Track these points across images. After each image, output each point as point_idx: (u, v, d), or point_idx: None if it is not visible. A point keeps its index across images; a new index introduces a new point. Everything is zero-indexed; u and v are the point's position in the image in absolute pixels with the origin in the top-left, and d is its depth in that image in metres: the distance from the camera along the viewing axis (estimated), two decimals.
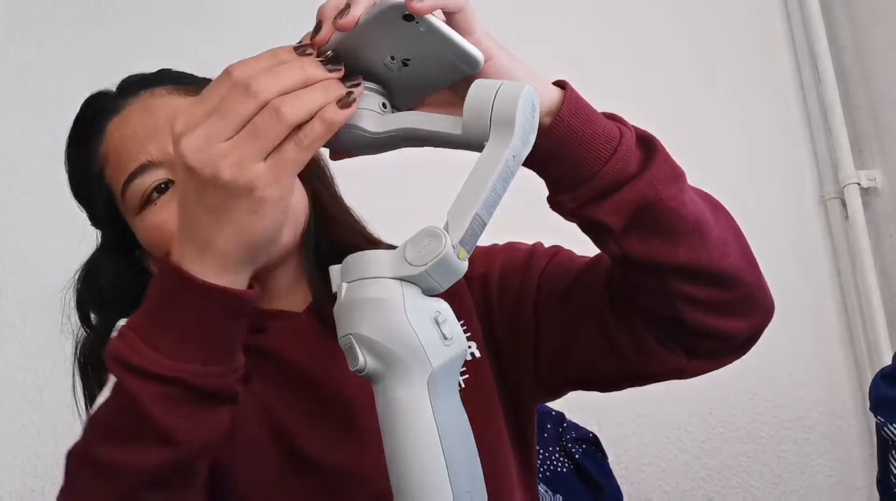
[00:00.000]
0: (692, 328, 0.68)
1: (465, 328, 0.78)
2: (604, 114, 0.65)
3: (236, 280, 0.57)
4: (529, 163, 0.62)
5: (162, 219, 0.75)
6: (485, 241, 0.63)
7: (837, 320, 1.61)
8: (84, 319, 0.86)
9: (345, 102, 0.53)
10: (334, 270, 0.58)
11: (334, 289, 0.58)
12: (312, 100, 0.52)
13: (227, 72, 0.54)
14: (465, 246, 0.55)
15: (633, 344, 0.72)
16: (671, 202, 0.63)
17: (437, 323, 0.55)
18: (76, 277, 0.87)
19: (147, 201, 0.76)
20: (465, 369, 0.78)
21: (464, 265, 0.55)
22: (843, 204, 1.64)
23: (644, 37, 1.79)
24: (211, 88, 0.54)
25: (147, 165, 0.75)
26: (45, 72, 1.72)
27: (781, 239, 1.66)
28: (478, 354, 0.81)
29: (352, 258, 0.57)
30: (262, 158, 0.52)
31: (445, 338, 0.55)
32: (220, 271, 0.56)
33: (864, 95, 1.69)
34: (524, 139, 0.56)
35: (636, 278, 0.68)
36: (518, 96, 0.55)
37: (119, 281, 0.84)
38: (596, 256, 0.77)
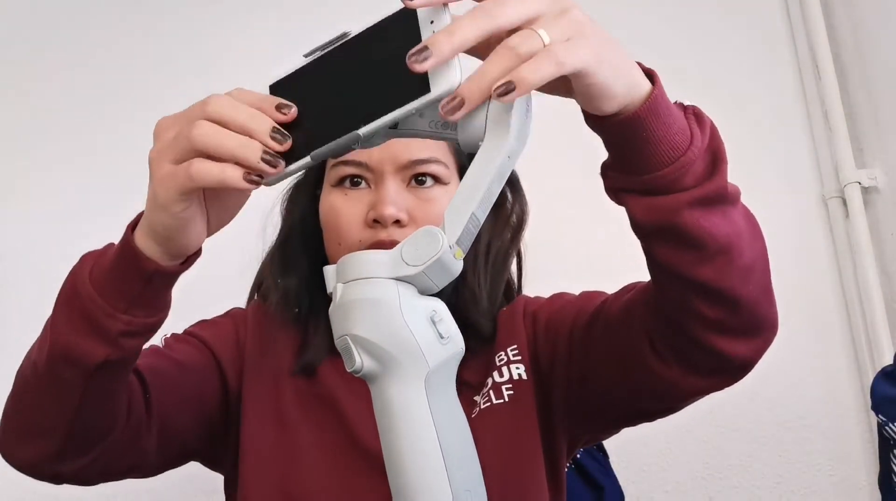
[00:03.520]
0: (697, 342, 0.69)
1: (517, 352, 0.88)
2: (687, 108, 0.63)
3: (150, 245, 0.62)
4: (599, 130, 0.60)
5: (339, 205, 0.87)
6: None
7: (838, 319, 1.61)
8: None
9: (249, 179, 0.56)
10: (329, 270, 0.58)
11: (329, 290, 0.58)
12: (225, 146, 0.55)
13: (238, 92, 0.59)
14: (461, 245, 0.55)
15: (636, 363, 0.74)
16: (704, 223, 0.62)
17: (434, 322, 0.55)
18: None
19: (341, 182, 0.88)
20: (511, 386, 0.86)
21: (458, 265, 0.55)
22: (844, 203, 1.64)
23: (643, 36, 1.79)
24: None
25: (358, 163, 0.86)
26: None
27: (782, 238, 1.65)
28: (525, 376, 0.87)
29: (347, 259, 0.57)
30: (172, 160, 0.57)
31: (442, 337, 0.55)
32: (141, 233, 0.62)
33: (864, 94, 1.68)
34: (520, 138, 0.56)
35: (658, 277, 0.69)
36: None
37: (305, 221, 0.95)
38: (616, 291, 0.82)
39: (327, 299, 0.88)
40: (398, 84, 0.54)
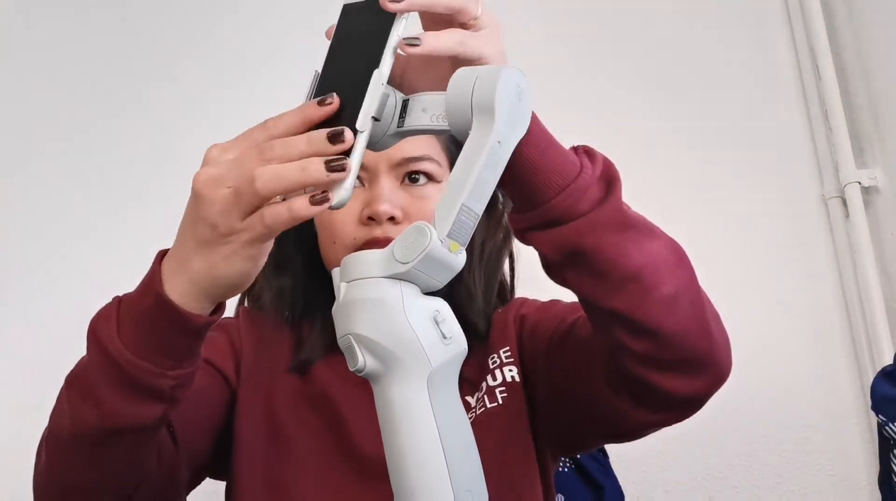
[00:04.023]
0: (633, 376, 0.68)
1: (510, 354, 0.88)
2: (578, 147, 0.65)
3: (198, 300, 0.60)
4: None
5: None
6: None
7: (838, 319, 1.61)
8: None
9: (315, 200, 0.55)
10: (336, 271, 0.58)
11: (335, 290, 0.58)
12: (289, 180, 0.54)
13: (263, 123, 0.57)
14: (456, 239, 0.54)
15: (595, 389, 0.74)
16: (609, 249, 0.62)
17: (437, 322, 0.55)
18: None
19: None
20: (504, 389, 0.87)
21: (458, 259, 0.55)
22: (844, 203, 1.64)
23: (643, 35, 1.79)
24: (247, 132, 0.58)
25: None
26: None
27: (782, 238, 1.66)
28: (517, 378, 0.87)
29: (350, 259, 0.57)
30: (241, 217, 0.56)
31: (444, 337, 0.55)
32: (185, 290, 0.60)
33: (864, 94, 1.68)
34: (510, 124, 0.55)
35: (584, 310, 0.70)
36: (497, 80, 0.54)
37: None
38: None
39: (322, 298, 0.89)
40: (379, 29, 0.57)
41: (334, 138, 0.54)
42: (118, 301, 0.64)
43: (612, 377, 0.71)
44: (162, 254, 0.62)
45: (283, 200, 0.55)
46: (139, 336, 0.61)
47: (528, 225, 0.64)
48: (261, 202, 0.55)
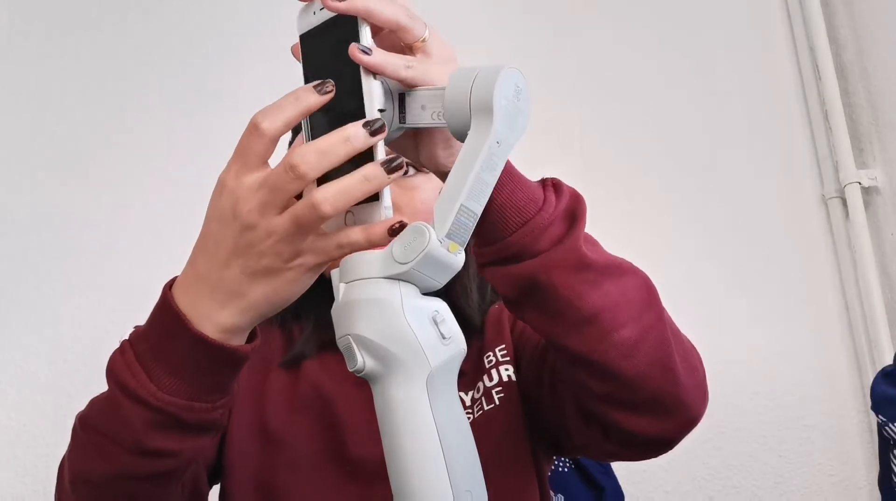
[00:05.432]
0: (595, 414, 0.67)
1: (505, 352, 0.86)
2: (546, 180, 0.63)
3: (248, 325, 0.60)
4: None
5: None
6: None
7: (838, 319, 1.61)
8: None
9: (375, 245, 0.55)
10: (334, 272, 0.58)
11: (334, 291, 0.58)
12: (356, 194, 0.54)
13: (255, 129, 0.55)
14: (455, 239, 0.54)
15: (562, 413, 0.74)
16: (564, 289, 0.60)
17: (436, 323, 0.55)
18: None
19: None
20: (501, 389, 0.85)
21: (457, 259, 0.55)
22: (844, 203, 1.64)
23: (643, 35, 1.79)
24: (243, 144, 0.55)
25: None
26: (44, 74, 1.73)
27: (782, 238, 1.66)
28: (513, 377, 0.85)
29: (349, 259, 0.56)
30: (304, 240, 0.56)
31: (444, 337, 0.55)
32: (237, 317, 0.58)
33: (864, 94, 1.69)
34: (508, 123, 0.55)
35: (547, 345, 0.69)
36: (495, 80, 0.54)
37: None
38: None
39: (313, 296, 0.88)
40: (346, 39, 0.56)
41: (375, 132, 0.54)
42: (130, 345, 0.61)
43: (582, 408, 0.70)
44: (169, 286, 0.60)
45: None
46: (183, 382, 0.59)
47: (486, 260, 0.62)
48: (323, 223, 0.55)
